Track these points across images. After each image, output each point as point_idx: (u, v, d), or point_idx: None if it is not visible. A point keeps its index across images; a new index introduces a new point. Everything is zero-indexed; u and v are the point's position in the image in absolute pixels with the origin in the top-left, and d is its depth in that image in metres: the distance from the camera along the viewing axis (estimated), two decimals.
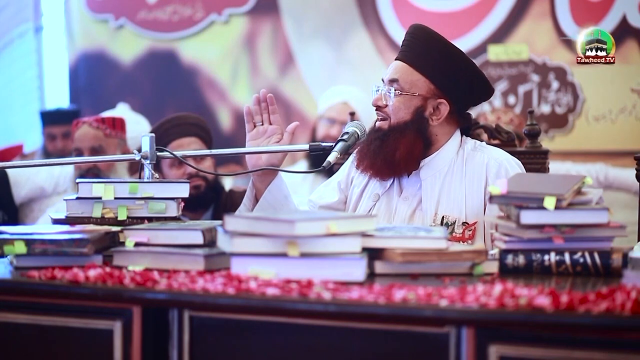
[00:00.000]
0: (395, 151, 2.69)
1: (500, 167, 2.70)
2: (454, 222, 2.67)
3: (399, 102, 2.71)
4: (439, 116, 2.72)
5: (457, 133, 2.78)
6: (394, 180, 2.78)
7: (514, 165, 2.73)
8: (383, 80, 2.75)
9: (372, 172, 2.75)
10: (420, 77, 2.71)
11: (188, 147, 3.67)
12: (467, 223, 2.67)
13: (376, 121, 2.77)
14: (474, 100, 2.86)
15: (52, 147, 5.53)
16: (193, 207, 3.67)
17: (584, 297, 1.86)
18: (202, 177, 3.72)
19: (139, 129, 4.55)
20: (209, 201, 3.80)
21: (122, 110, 5.27)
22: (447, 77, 2.71)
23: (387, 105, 2.73)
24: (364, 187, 2.83)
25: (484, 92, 2.81)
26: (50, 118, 5.66)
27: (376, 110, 2.76)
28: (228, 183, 4.78)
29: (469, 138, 2.82)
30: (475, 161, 2.74)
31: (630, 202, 4.46)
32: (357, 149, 2.79)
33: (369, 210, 2.77)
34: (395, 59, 2.77)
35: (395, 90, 2.71)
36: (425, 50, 2.72)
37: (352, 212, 2.84)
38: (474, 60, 2.80)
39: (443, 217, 2.69)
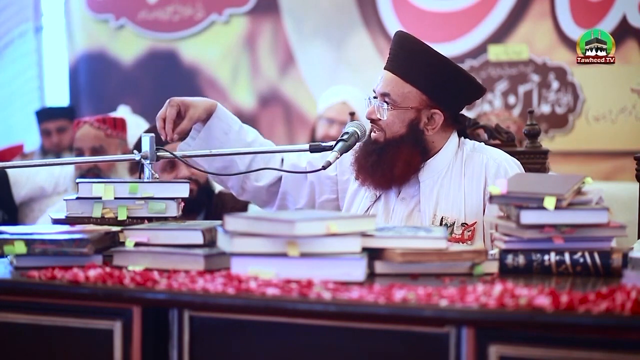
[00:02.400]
0: (393, 167, 2.69)
1: (499, 168, 2.70)
2: (453, 223, 2.67)
3: (392, 117, 2.70)
4: (434, 126, 2.71)
5: (454, 135, 2.78)
6: None
7: (513, 166, 2.73)
8: (374, 91, 2.75)
9: (372, 186, 2.74)
10: (412, 89, 2.70)
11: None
12: (467, 224, 2.67)
13: (371, 131, 2.76)
14: (467, 103, 2.85)
15: (49, 144, 5.56)
16: (185, 211, 3.63)
17: (584, 297, 1.86)
18: (195, 180, 3.69)
19: (139, 132, 4.55)
20: (201, 205, 3.77)
21: (123, 113, 5.27)
22: (438, 86, 2.70)
23: (380, 119, 2.72)
24: (360, 186, 2.82)
25: (475, 93, 2.80)
26: (43, 115, 5.70)
27: (371, 122, 2.75)
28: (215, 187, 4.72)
29: (467, 139, 2.81)
30: (474, 162, 2.73)
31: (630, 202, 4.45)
32: (353, 160, 2.78)
33: (367, 211, 2.77)
34: (385, 69, 2.75)
35: (387, 104, 2.70)
36: (414, 61, 2.70)
37: (348, 211, 2.83)
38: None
39: (442, 218, 2.68)
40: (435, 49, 2.75)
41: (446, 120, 2.72)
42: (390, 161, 2.69)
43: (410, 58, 2.70)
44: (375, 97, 2.73)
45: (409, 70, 2.69)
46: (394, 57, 2.73)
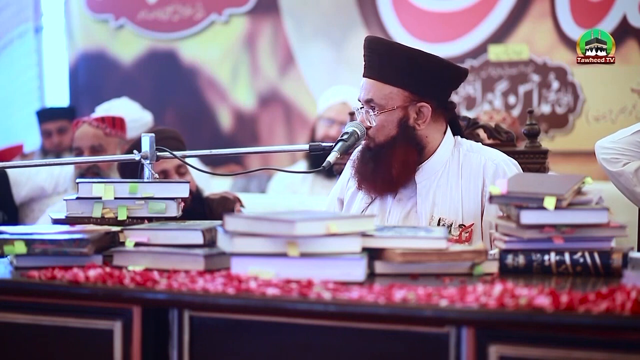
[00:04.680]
0: (391, 169, 2.68)
1: (497, 168, 2.69)
2: (451, 225, 2.66)
3: (381, 121, 2.69)
4: (424, 119, 2.70)
5: (449, 132, 2.76)
6: None
7: (511, 166, 2.72)
8: (360, 101, 2.75)
9: (376, 193, 2.74)
10: (393, 89, 2.69)
11: (172, 162, 3.56)
12: (464, 225, 2.67)
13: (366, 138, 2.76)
14: (451, 88, 2.83)
15: (49, 144, 5.56)
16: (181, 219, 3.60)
17: (584, 297, 1.86)
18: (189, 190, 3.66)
19: (140, 116, 4.70)
20: (196, 214, 3.75)
21: (123, 103, 5.29)
22: (417, 79, 2.69)
23: (371, 126, 2.72)
24: (357, 188, 2.82)
25: (457, 76, 2.77)
26: (44, 115, 5.71)
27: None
28: (214, 187, 4.71)
29: (463, 139, 2.80)
30: (472, 163, 2.72)
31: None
32: (353, 169, 2.77)
33: (362, 212, 2.77)
34: (363, 76, 2.74)
35: (373, 110, 2.70)
36: (388, 61, 2.69)
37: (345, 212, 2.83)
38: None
39: (440, 219, 2.68)
40: (404, 44, 2.75)
41: (435, 111, 2.71)
42: (388, 164, 2.68)
43: (383, 59, 2.70)
44: (362, 107, 2.73)
45: (386, 72, 2.69)
46: (369, 62, 2.73)
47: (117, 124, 4.16)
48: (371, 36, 2.79)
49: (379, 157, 2.70)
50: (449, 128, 2.77)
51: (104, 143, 4.08)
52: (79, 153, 4.09)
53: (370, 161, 2.72)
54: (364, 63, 2.75)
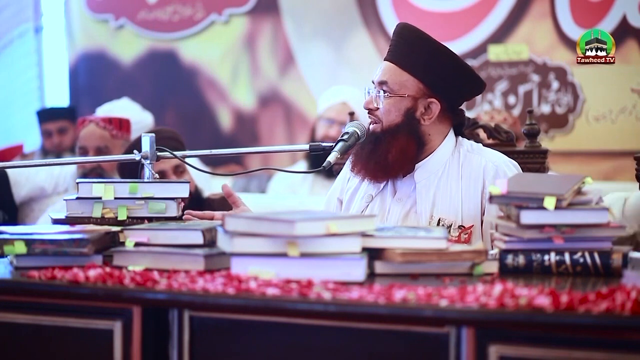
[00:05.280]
0: (387, 154, 2.68)
1: (497, 170, 2.69)
2: (450, 225, 2.66)
3: (389, 105, 2.70)
4: (431, 115, 2.71)
5: (452, 133, 2.77)
6: (387, 181, 2.77)
7: (512, 168, 2.72)
8: (373, 82, 2.75)
9: (367, 175, 2.74)
10: (409, 78, 2.70)
11: (169, 162, 3.57)
12: (464, 226, 2.66)
13: (370, 124, 2.77)
14: (466, 96, 2.85)
15: (49, 144, 5.57)
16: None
17: (584, 297, 1.86)
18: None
19: (142, 119, 4.67)
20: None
21: (125, 105, 5.28)
22: (436, 75, 2.70)
23: (378, 108, 2.72)
24: (357, 187, 2.82)
25: (475, 87, 2.79)
26: (44, 115, 5.71)
27: (368, 113, 2.75)
28: (214, 187, 4.70)
29: (464, 139, 2.80)
30: (472, 164, 2.72)
31: None
32: (352, 152, 2.78)
33: (362, 211, 2.77)
34: (384, 59, 2.76)
35: (384, 92, 2.70)
36: (413, 49, 2.70)
37: (345, 212, 2.83)
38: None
39: (439, 219, 2.68)
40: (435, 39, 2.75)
41: (443, 111, 2.71)
42: (385, 149, 2.68)
43: (409, 47, 2.71)
44: (375, 88, 2.74)
45: (408, 59, 2.70)
46: (394, 47, 2.74)
47: (123, 125, 4.16)
48: (404, 23, 2.79)
49: (378, 141, 2.70)
50: (452, 132, 2.76)
51: (109, 145, 4.07)
52: (84, 152, 4.09)
53: (369, 144, 2.72)
54: (389, 47, 2.76)
